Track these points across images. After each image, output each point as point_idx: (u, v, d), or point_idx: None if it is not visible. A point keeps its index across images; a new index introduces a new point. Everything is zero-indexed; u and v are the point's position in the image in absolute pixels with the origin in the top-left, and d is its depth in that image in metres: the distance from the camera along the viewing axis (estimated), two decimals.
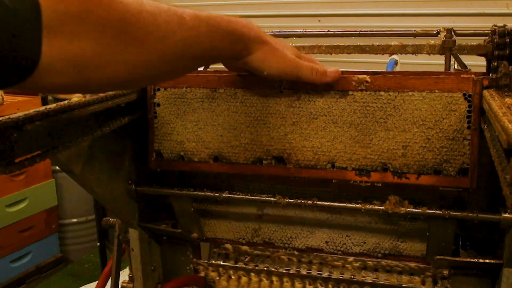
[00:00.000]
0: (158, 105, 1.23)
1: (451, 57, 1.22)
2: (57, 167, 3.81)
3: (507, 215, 1.04)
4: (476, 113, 1.02)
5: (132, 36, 0.69)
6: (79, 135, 1.00)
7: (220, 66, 1.13)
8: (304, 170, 1.14)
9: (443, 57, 1.23)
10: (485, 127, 0.95)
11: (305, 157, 1.13)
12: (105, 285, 1.62)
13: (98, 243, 3.41)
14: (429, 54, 1.22)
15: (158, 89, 1.23)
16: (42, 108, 0.90)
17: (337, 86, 1.09)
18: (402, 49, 1.22)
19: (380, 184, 1.10)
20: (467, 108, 1.02)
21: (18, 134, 0.83)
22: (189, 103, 1.20)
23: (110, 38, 0.66)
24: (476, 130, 1.02)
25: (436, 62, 1.45)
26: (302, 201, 1.18)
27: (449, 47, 1.19)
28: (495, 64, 1.08)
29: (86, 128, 1.04)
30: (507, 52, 1.09)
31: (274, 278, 1.38)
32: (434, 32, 1.24)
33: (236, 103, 1.16)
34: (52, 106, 0.92)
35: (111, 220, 1.51)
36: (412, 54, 1.24)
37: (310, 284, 1.34)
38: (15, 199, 3.49)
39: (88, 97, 1.04)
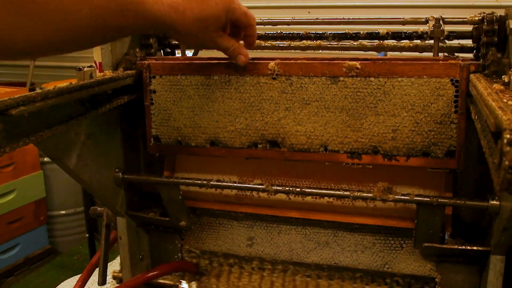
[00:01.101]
0: (154, 92, 1.25)
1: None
2: (45, 159, 3.80)
3: (494, 202, 1.05)
4: (463, 98, 1.05)
5: (29, 9, 0.74)
6: (64, 121, 1.00)
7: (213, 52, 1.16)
8: (298, 154, 1.17)
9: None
10: (472, 109, 0.99)
11: (298, 141, 1.16)
12: (91, 274, 1.61)
13: (87, 235, 3.39)
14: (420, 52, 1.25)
15: (154, 77, 1.25)
16: (27, 93, 0.89)
17: (328, 72, 1.12)
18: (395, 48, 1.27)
19: (371, 166, 1.14)
20: (454, 93, 1.06)
21: (2, 119, 0.81)
22: (185, 90, 1.22)
23: (5, 10, 0.72)
24: (463, 114, 1.06)
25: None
26: (291, 189, 1.18)
27: (437, 36, 1.19)
28: (484, 51, 1.08)
29: (72, 114, 1.05)
30: (496, 39, 1.09)
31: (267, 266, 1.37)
32: (423, 20, 1.24)
33: (231, 89, 1.19)
34: (37, 91, 0.91)
35: (99, 209, 1.51)
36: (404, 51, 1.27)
37: (304, 273, 1.34)
38: (3, 190, 3.48)
39: (74, 82, 1.02)
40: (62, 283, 2.65)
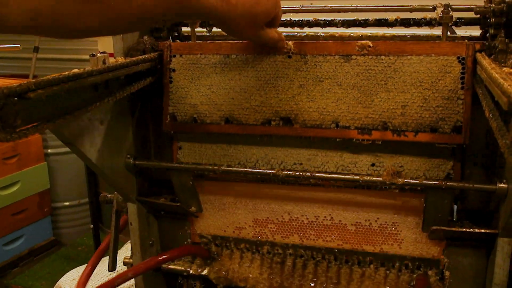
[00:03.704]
0: (174, 70, 1.33)
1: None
2: (49, 150, 3.82)
3: (502, 185, 1.07)
4: (469, 74, 1.13)
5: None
6: (81, 106, 1.02)
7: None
8: (310, 130, 1.24)
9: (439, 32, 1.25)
10: (478, 89, 1.06)
11: (311, 117, 1.23)
12: (99, 260, 1.64)
13: (92, 225, 3.42)
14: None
15: (174, 56, 1.33)
16: (45, 77, 0.91)
17: (342, 51, 1.20)
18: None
19: (380, 142, 1.20)
20: (461, 70, 1.13)
21: (20, 102, 0.83)
22: (203, 68, 1.30)
23: None
24: (469, 90, 1.13)
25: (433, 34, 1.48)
26: (301, 173, 1.20)
27: (446, 22, 1.21)
28: (492, 31, 1.10)
29: (88, 99, 1.07)
30: (504, 19, 1.11)
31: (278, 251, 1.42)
32: (431, 7, 1.26)
33: (247, 68, 1.26)
34: (54, 75, 0.92)
35: (109, 195, 1.54)
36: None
37: (313, 257, 1.36)
38: (8, 182, 3.52)
39: (88, 68, 1.04)
40: (68, 273, 2.70)
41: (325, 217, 1.35)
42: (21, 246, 3.70)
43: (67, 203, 4.00)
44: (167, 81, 1.33)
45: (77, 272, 2.73)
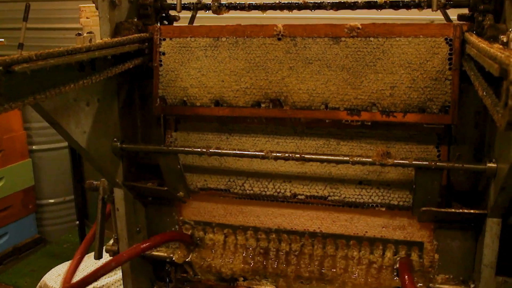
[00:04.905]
0: (163, 53, 1.34)
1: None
2: (34, 147, 3.77)
3: (491, 164, 1.07)
4: (456, 55, 1.15)
5: None
6: (66, 84, 1.00)
7: None
8: (299, 111, 1.26)
9: (428, 15, 1.25)
10: (467, 67, 1.08)
11: (300, 99, 1.25)
12: (87, 249, 1.61)
13: (77, 222, 3.37)
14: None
15: (164, 39, 1.34)
16: (29, 53, 0.90)
17: (331, 33, 1.22)
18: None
19: (369, 123, 1.23)
20: (449, 51, 1.15)
21: (5, 76, 0.82)
22: (193, 51, 1.32)
23: None
24: (457, 71, 1.15)
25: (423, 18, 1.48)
26: (290, 155, 1.20)
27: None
28: (480, 18, 1.11)
29: (74, 78, 1.07)
30: (492, 6, 1.12)
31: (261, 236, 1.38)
32: None
33: (238, 50, 1.28)
34: (38, 52, 0.91)
35: (95, 183, 1.51)
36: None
37: (297, 241, 1.35)
38: None
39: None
40: (53, 269, 2.66)
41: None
42: (5, 244, 3.65)
43: (52, 200, 3.96)
44: (157, 64, 1.34)
45: (62, 268, 2.69)
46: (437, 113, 1.16)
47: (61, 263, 2.69)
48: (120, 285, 2.60)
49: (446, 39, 1.15)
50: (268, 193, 1.37)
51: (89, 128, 1.24)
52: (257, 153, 1.27)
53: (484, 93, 0.84)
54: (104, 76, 1.16)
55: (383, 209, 1.30)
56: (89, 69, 1.13)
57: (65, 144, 3.46)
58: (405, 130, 1.25)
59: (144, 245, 1.38)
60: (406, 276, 1.22)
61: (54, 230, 3.99)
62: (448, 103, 1.16)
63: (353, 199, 1.31)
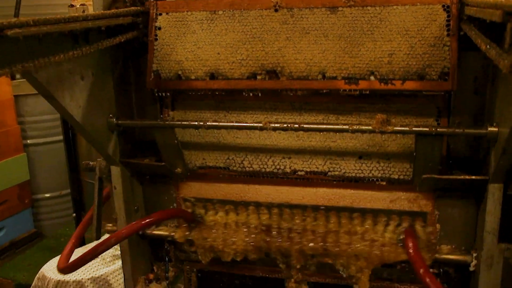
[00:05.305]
0: (159, 28, 1.33)
1: None
2: (28, 141, 3.74)
3: (492, 128, 1.06)
4: (454, 21, 1.14)
5: None
6: (55, 53, 1.02)
7: None
8: (296, 82, 1.24)
9: None
10: (467, 29, 1.07)
11: (297, 69, 1.24)
12: (85, 231, 1.59)
13: (74, 214, 3.35)
14: None
15: (160, 14, 1.33)
16: (26, 19, 0.89)
17: (328, 3, 1.21)
18: None
19: (368, 92, 1.21)
20: (446, 18, 1.15)
21: None
22: (189, 25, 1.31)
23: None
24: (455, 36, 1.14)
25: None
26: (289, 125, 1.18)
27: None
28: None
29: (64, 48, 1.05)
30: None
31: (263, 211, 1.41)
32: None
33: (234, 23, 1.27)
34: (36, 18, 0.90)
35: (91, 163, 1.49)
36: None
37: (300, 216, 1.34)
38: None
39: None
40: (51, 260, 2.66)
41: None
42: (2, 239, 3.65)
43: (48, 195, 3.94)
44: (152, 39, 1.33)
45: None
46: (436, 80, 1.15)
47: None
48: (118, 274, 2.61)
49: (443, 5, 1.14)
50: (267, 169, 1.37)
51: (84, 102, 1.23)
52: (255, 124, 1.26)
53: (488, 46, 0.85)
54: (95, 48, 1.15)
55: (384, 183, 1.30)
56: (82, 40, 1.12)
57: (60, 137, 3.43)
58: (404, 103, 1.24)
59: (145, 221, 1.37)
60: (411, 244, 1.22)
61: (51, 224, 3.97)
62: (447, 69, 1.15)
63: (353, 174, 1.31)
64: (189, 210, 1.46)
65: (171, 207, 1.48)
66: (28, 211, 3.82)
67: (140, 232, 1.47)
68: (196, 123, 1.29)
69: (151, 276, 1.53)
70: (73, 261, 1.32)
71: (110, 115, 1.34)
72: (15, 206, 3.69)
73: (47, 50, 0.98)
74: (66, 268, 1.36)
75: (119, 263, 2.51)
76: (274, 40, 1.24)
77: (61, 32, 0.99)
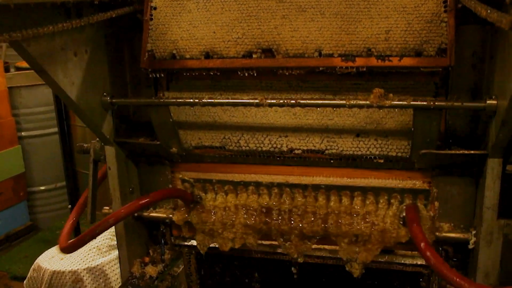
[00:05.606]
0: (155, 8, 1.32)
1: None
2: (23, 133, 3.72)
3: (491, 101, 1.05)
4: None
5: None
6: (48, 23, 1.00)
7: None
8: (292, 60, 1.23)
9: None
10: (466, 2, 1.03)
11: (293, 47, 1.23)
12: (81, 213, 1.57)
13: (70, 206, 3.33)
14: None
15: None
16: None
17: None
18: None
19: (365, 69, 1.19)
20: None
21: None
22: (185, 5, 1.29)
23: None
24: (452, 11, 1.12)
25: None
26: (285, 101, 1.17)
27: None
28: None
29: (57, 19, 1.05)
30: None
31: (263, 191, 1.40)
32: None
33: (230, 1, 1.26)
34: None
35: (85, 145, 1.47)
36: None
37: (300, 195, 1.33)
38: None
39: None
40: (46, 251, 2.64)
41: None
42: None
43: (43, 187, 3.93)
44: (147, 18, 1.31)
45: (55, 251, 2.67)
46: (434, 56, 1.14)
47: None
48: (115, 264, 2.59)
49: None
50: (264, 148, 1.36)
51: (78, 79, 1.22)
52: (251, 100, 1.25)
53: (488, 11, 0.84)
54: (86, 22, 1.13)
55: (381, 160, 1.29)
56: (75, 14, 1.11)
57: (55, 129, 3.42)
58: (402, 80, 1.23)
59: (144, 201, 1.35)
60: (412, 218, 1.21)
61: (46, 217, 3.96)
62: (445, 45, 1.13)
63: (351, 152, 1.30)
64: (188, 191, 1.44)
65: (167, 188, 1.46)
66: (23, 203, 3.81)
67: (136, 214, 1.45)
68: (192, 100, 1.28)
69: (147, 259, 1.52)
70: (73, 241, 1.31)
71: (104, 94, 1.33)
72: (10, 199, 3.68)
73: (38, 22, 0.97)
74: (66, 248, 1.33)
75: (115, 253, 2.49)
76: (270, 18, 1.23)
77: (53, 3, 0.98)
